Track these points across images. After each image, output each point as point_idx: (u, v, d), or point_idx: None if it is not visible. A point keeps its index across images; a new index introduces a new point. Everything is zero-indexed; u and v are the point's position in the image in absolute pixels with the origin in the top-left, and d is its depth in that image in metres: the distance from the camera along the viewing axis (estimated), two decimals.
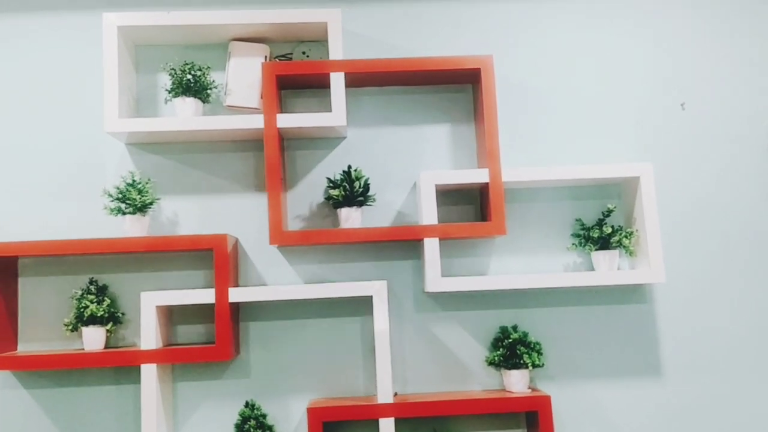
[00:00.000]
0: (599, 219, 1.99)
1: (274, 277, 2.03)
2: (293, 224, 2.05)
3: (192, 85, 1.97)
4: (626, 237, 1.94)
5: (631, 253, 1.97)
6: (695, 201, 2.07)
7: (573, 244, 2.01)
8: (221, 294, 1.85)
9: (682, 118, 2.10)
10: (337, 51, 1.96)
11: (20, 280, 2.01)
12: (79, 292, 1.94)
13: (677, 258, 2.04)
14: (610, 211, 1.97)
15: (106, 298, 1.93)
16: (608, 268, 1.94)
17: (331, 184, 1.97)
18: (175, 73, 1.97)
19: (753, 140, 2.10)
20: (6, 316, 1.94)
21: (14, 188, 2.04)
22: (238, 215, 2.05)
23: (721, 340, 2.03)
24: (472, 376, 2.01)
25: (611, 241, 1.94)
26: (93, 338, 1.90)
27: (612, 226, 1.96)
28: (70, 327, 1.91)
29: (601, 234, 1.94)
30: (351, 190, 1.94)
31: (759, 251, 2.06)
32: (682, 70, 2.12)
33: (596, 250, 1.96)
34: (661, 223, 1.99)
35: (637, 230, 1.96)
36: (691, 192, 2.07)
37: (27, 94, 2.07)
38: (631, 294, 2.04)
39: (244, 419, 1.88)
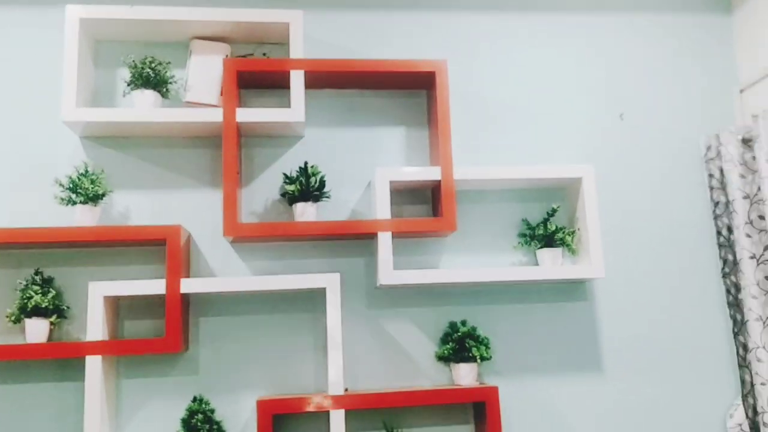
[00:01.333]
0: (544, 218, 2.08)
1: (225, 273, 2.03)
2: (247, 220, 2.06)
3: (152, 79, 1.99)
4: (569, 235, 2.04)
5: (573, 252, 2.07)
6: (633, 202, 2.20)
7: (519, 242, 2.09)
8: (172, 284, 1.84)
9: (621, 128, 2.25)
10: (297, 52, 2.02)
11: None
12: (24, 283, 1.88)
13: (616, 256, 2.15)
14: (554, 211, 2.08)
15: (51, 290, 1.88)
16: (552, 264, 2.03)
17: (288, 180, 2.01)
18: (136, 66, 1.98)
19: (686, 149, 2.25)
20: None
21: None
22: (191, 211, 2.05)
23: (657, 336, 2.14)
24: (421, 373, 2.04)
25: (555, 238, 2.03)
26: (36, 330, 1.84)
27: (556, 225, 2.06)
28: (13, 318, 1.84)
29: (545, 232, 2.04)
30: (307, 185, 1.98)
31: (691, 251, 2.19)
32: (621, 84, 2.28)
33: (541, 247, 2.05)
34: (601, 222, 2.10)
35: (579, 229, 2.06)
36: (629, 194, 2.20)
37: None
38: (573, 291, 2.13)
39: (191, 413, 1.85)
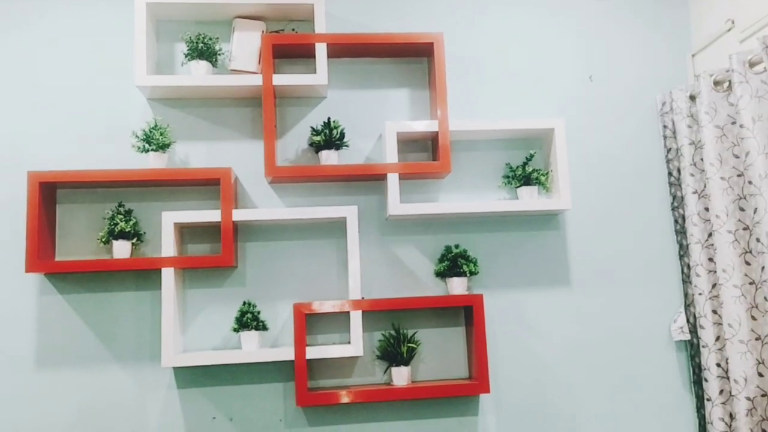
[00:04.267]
0: (523, 162, 2.55)
1: (265, 207, 2.53)
2: (282, 164, 2.54)
3: (204, 51, 2.47)
4: (543, 175, 2.51)
5: (547, 189, 2.54)
6: (598, 149, 2.65)
7: (503, 182, 2.56)
8: (227, 213, 2.35)
9: (590, 87, 2.70)
10: (321, 27, 2.49)
11: (58, 208, 2.46)
12: (111, 213, 2.40)
13: (583, 193, 2.61)
14: (532, 156, 2.54)
15: (132, 218, 2.40)
16: (529, 199, 2.50)
17: (314, 132, 2.49)
18: (191, 41, 2.47)
19: (645, 104, 2.69)
20: (47, 236, 2.37)
21: (56, 131, 2.49)
22: (237, 157, 2.53)
23: (616, 259, 2.61)
24: (423, 286, 2.53)
25: (532, 178, 2.50)
26: (121, 249, 2.36)
27: (533, 168, 2.52)
28: (103, 240, 2.37)
29: (524, 173, 2.50)
30: (330, 136, 2.46)
31: (647, 188, 2.65)
32: (590, 49, 2.72)
33: (520, 186, 2.51)
34: (570, 165, 2.56)
35: (551, 171, 2.53)
36: (595, 142, 2.66)
37: (73, 54, 2.53)
38: (547, 222, 2.60)
39: (243, 313, 2.37)
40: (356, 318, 2.35)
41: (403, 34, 2.50)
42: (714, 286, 2.45)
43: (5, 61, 2.51)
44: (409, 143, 2.58)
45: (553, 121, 2.51)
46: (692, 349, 2.54)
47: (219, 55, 2.52)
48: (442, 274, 2.48)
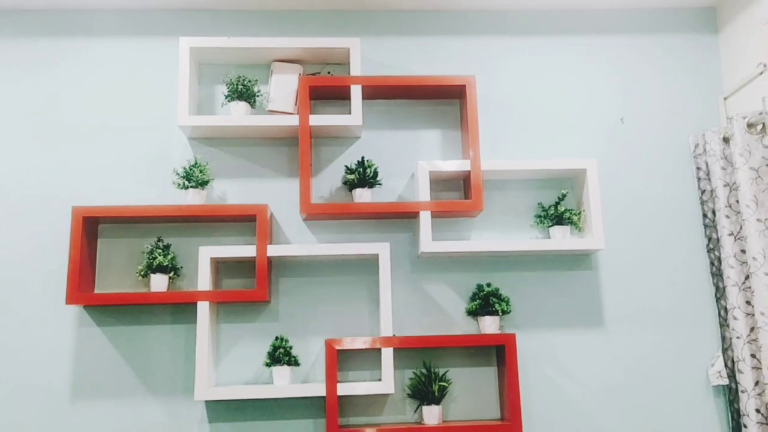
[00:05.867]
0: (555, 202, 2.56)
1: (299, 243, 2.57)
2: (317, 202, 2.60)
3: (243, 93, 2.56)
4: (575, 215, 2.51)
5: (579, 229, 2.54)
6: (632, 190, 2.65)
7: (535, 221, 2.57)
8: (262, 248, 2.39)
9: (622, 129, 2.72)
10: (356, 70, 2.57)
11: (99, 242, 2.54)
12: (150, 248, 2.47)
13: (616, 234, 2.60)
14: (564, 196, 2.55)
15: (170, 253, 2.46)
16: (561, 239, 2.50)
17: (348, 171, 2.55)
18: (231, 83, 2.56)
19: (678, 146, 2.70)
20: (88, 268, 2.45)
21: (100, 167, 2.59)
22: (273, 195, 2.60)
23: (651, 301, 2.57)
24: (454, 324, 2.53)
25: (564, 218, 2.51)
26: (159, 283, 2.42)
27: (565, 208, 2.53)
28: (142, 273, 2.43)
29: (556, 212, 2.51)
30: (363, 175, 2.51)
31: (681, 230, 2.63)
32: (623, 92, 2.74)
33: (552, 225, 2.52)
34: (603, 205, 2.57)
35: (584, 211, 2.53)
36: (628, 183, 2.66)
37: (119, 95, 2.65)
38: (580, 262, 2.59)
39: (275, 348, 2.38)
40: (387, 355, 2.35)
41: (435, 77, 2.56)
42: (752, 329, 2.40)
43: (54, 100, 2.64)
44: (440, 182, 2.62)
45: (585, 162, 2.53)
46: (731, 394, 2.48)
47: (258, 96, 2.61)
48: (473, 313, 2.48)
